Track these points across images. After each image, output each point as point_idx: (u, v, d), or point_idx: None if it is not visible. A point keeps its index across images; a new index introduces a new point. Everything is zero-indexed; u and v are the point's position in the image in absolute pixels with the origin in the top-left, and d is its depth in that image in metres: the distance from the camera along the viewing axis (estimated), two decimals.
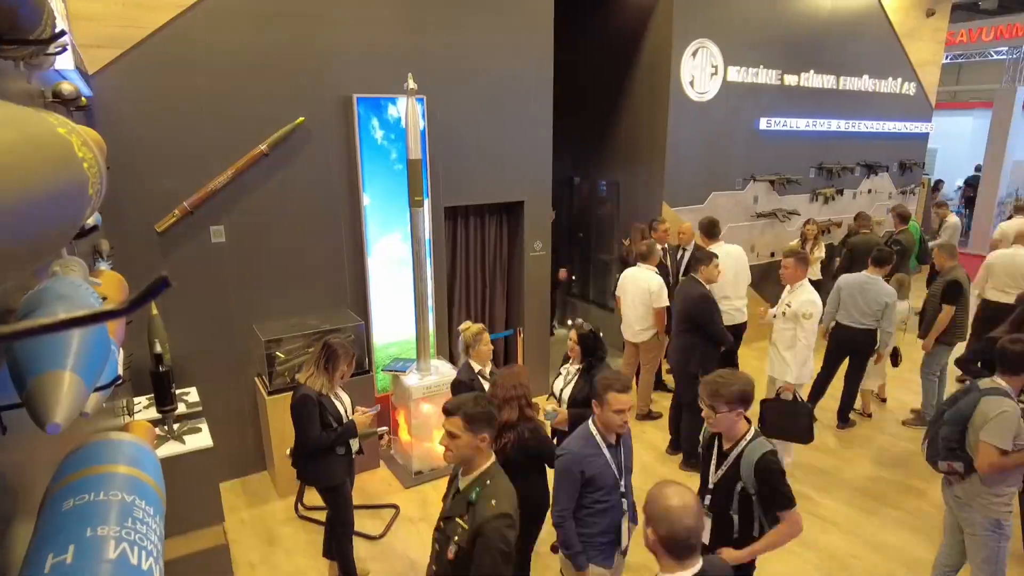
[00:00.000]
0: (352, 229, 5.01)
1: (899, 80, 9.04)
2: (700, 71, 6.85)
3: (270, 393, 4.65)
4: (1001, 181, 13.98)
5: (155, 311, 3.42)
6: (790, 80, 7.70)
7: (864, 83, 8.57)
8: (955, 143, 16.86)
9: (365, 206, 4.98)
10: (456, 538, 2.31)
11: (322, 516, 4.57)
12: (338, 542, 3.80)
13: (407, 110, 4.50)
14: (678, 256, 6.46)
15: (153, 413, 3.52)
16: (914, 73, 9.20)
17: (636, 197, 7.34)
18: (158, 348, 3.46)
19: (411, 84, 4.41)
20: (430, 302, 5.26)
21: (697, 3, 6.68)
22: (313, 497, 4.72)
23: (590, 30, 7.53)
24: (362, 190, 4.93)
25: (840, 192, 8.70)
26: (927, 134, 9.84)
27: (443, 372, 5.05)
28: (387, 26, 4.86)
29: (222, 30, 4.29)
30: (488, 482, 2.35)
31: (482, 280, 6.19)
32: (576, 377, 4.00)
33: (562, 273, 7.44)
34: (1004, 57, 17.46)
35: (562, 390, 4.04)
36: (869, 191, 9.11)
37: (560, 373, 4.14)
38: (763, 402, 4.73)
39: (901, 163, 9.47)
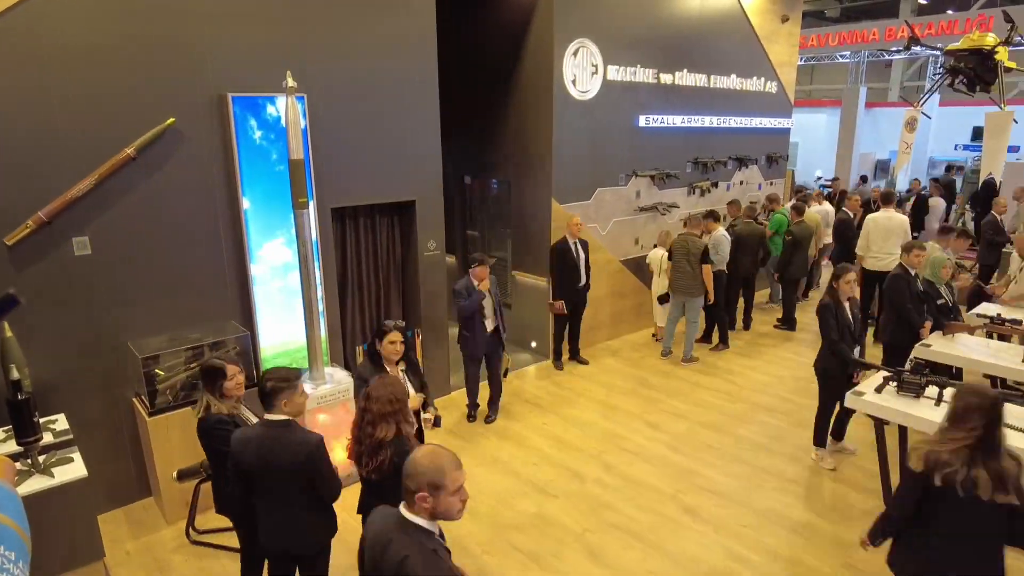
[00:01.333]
0: (233, 235, 4.76)
1: (762, 79, 9.73)
2: (581, 70, 7.06)
3: (151, 414, 4.34)
4: (852, 170, 15.37)
5: (9, 332, 3.10)
6: (665, 79, 8.10)
7: (732, 82, 9.15)
8: (812, 137, 18.37)
9: (245, 210, 4.74)
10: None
11: (218, 539, 4.33)
12: None
13: (286, 109, 4.34)
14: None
15: (12, 446, 3.20)
16: (775, 73, 9.93)
17: (526, 195, 7.46)
18: (15, 374, 3.15)
19: (290, 82, 4.25)
20: (320, 307, 5.10)
21: (575, 3, 6.88)
22: (206, 520, 4.46)
23: (474, 29, 7.57)
24: (241, 193, 4.70)
25: (715, 185, 9.26)
26: (788, 129, 10.67)
27: (339, 380, 4.91)
28: (262, 22, 4.66)
29: (73, 23, 3.95)
30: None
31: (376, 282, 6.07)
32: (405, 379, 3.98)
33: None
34: (848, 60, 19.24)
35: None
36: (741, 183, 9.75)
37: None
38: None
39: (768, 156, 10.20)
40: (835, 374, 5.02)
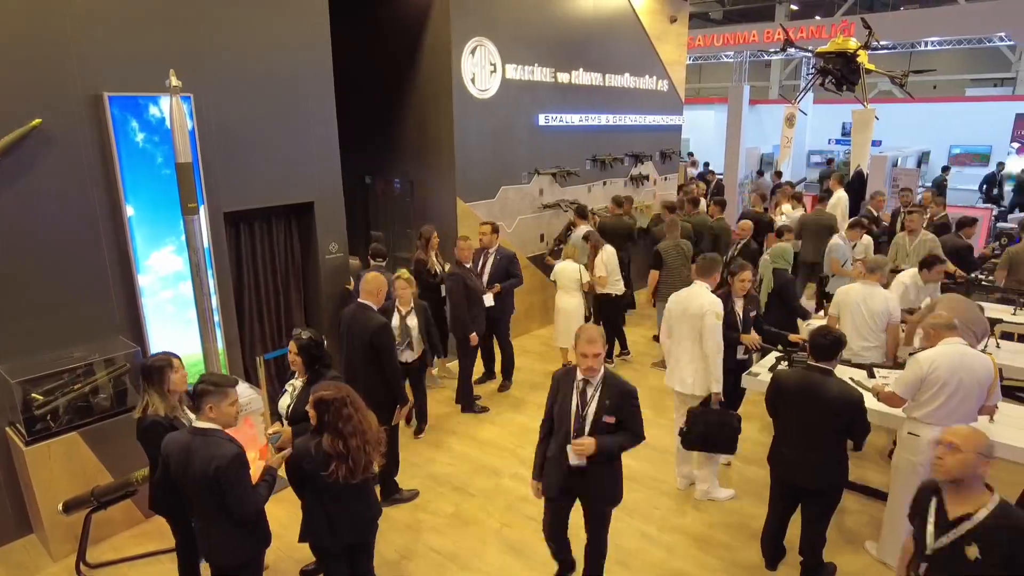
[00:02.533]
0: (116, 244, 4.44)
1: (654, 78, 10.12)
2: (480, 69, 7.09)
3: (28, 443, 3.98)
4: (740, 165, 16.27)
5: None
6: (563, 78, 8.27)
7: (626, 80, 9.47)
8: (702, 133, 19.31)
9: (130, 217, 4.44)
10: None
11: (114, 571, 4.03)
12: None
13: (171, 110, 4.09)
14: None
15: None
16: (665, 72, 10.36)
17: (431, 194, 7.41)
18: None
19: (173, 81, 4.00)
20: (216, 317, 4.86)
21: (471, 2, 6.89)
22: (100, 552, 4.15)
23: (372, 27, 7.43)
24: (124, 200, 4.39)
25: (614, 181, 9.55)
26: (680, 126, 11.16)
27: (240, 393, 4.68)
28: (141, 17, 4.37)
29: None
30: None
31: (275, 288, 5.84)
32: (298, 392, 3.73)
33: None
34: (732, 60, 20.35)
35: (288, 407, 3.74)
36: (636, 178, 10.10)
37: (286, 390, 3.82)
38: (691, 411, 4.50)
39: (662, 152, 10.63)
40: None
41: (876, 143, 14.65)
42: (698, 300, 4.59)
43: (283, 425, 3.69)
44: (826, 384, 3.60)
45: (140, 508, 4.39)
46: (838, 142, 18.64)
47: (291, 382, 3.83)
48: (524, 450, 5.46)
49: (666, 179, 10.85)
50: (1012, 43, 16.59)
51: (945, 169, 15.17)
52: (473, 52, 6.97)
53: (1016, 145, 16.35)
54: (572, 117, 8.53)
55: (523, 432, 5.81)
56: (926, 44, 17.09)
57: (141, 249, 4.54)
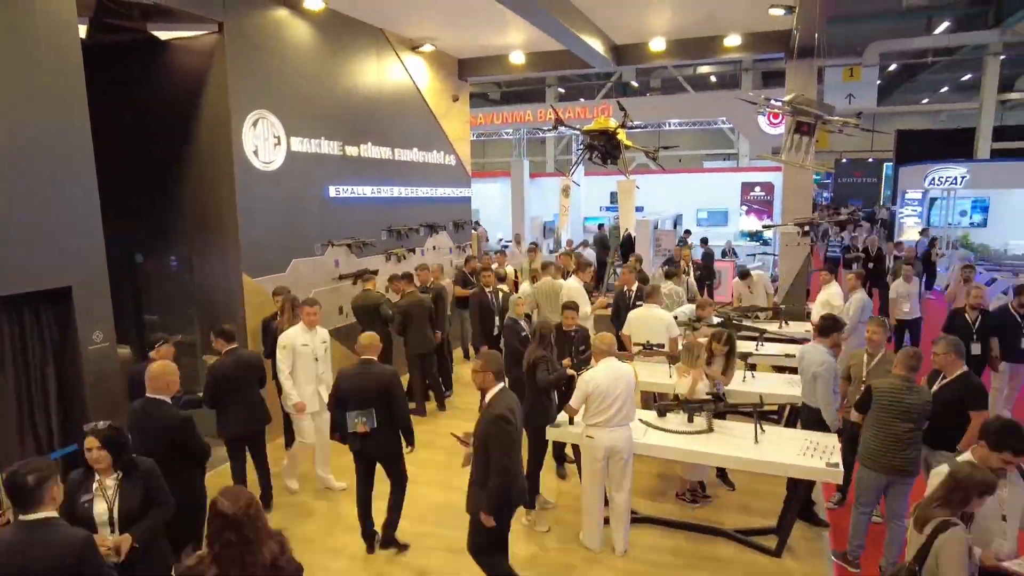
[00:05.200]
0: None
1: (442, 153, 10.60)
2: (263, 141, 6.90)
3: None
4: (526, 232, 17.43)
5: None
6: (351, 151, 8.34)
7: (415, 155, 9.80)
8: (490, 205, 20.43)
9: None
10: None
11: None
12: None
13: None
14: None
15: None
16: (452, 147, 10.91)
17: (212, 270, 6.93)
18: None
19: None
20: None
21: (252, 76, 6.75)
22: None
23: (142, 98, 6.94)
24: None
25: (412, 251, 9.70)
26: (469, 198, 11.74)
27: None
28: None
29: None
30: None
31: (25, 388, 4.98)
32: (118, 490, 3.28)
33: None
34: (512, 137, 22.03)
35: (112, 511, 3.24)
36: (434, 248, 10.37)
37: (92, 494, 3.26)
38: None
39: (455, 222, 11.06)
40: (544, 422, 5.27)
41: (639, 209, 16.61)
42: None
43: (113, 532, 3.20)
44: None
45: None
46: (608, 209, 20.77)
47: (96, 482, 3.31)
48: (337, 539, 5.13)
49: (461, 247, 11.26)
50: (731, 126, 20.06)
51: (687, 232, 17.56)
52: (255, 124, 6.78)
53: (744, 208, 19.52)
54: (364, 189, 8.59)
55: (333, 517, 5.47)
56: (670, 124, 20.06)
57: None
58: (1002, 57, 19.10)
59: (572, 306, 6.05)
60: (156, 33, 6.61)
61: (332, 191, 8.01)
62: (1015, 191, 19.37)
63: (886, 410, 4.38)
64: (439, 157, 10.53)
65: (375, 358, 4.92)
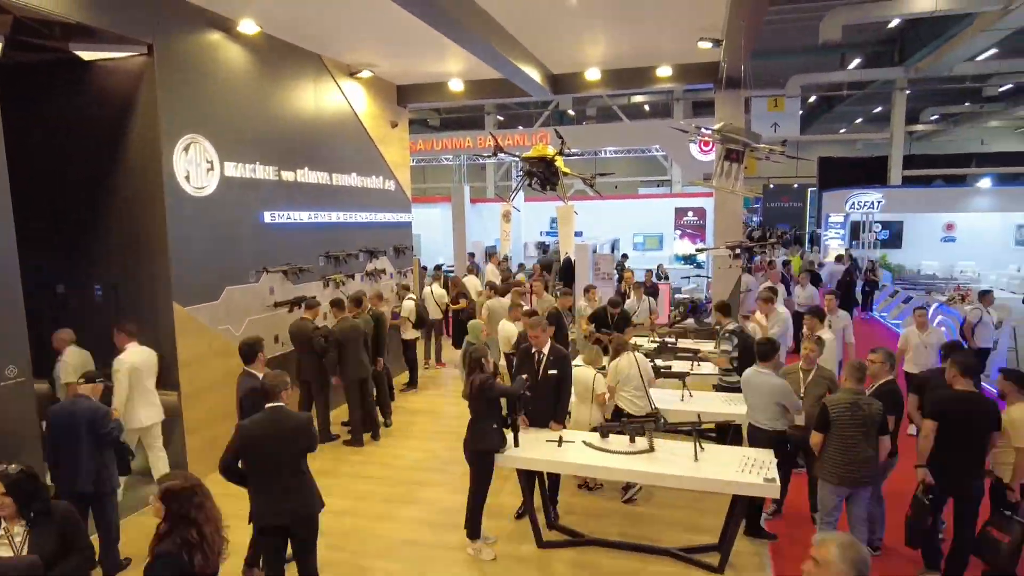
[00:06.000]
0: None
1: (381, 178, 10.54)
2: (195, 166, 6.69)
3: None
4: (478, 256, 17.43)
5: None
6: (287, 176, 8.18)
7: (353, 180, 9.70)
8: (431, 230, 20.39)
9: None
10: None
11: None
12: None
13: None
14: None
15: None
16: (391, 172, 10.86)
17: (141, 300, 6.63)
18: None
19: None
20: None
21: (183, 99, 6.57)
22: None
23: (64, 120, 6.65)
24: None
25: (351, 276, 9.55)
26: (410, 223, 11.68)
27: None
28: None
29: None
30: None
31: None
32: (27, 537, 3.13)
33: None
34: (452, 163, 22.13)
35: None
36: (372, 273, 10.23)
37: None
38: None
39: (395, 247, 10.96)
40: (488, 448, 5.11)
41: (578, 234, 16.90)
42: None
43: None
44: None
45: None
46: (548, 234, 21.05)
47: (2, 528, 3.10)
48: None
49: (403, 272, 11.16)
50: (664, 153, 20.75)
51: (624, 256, 17.96)
52: (187, 149, 6.58)
53: (679, 232, 20.13)
54: (301, 214, 8.43)
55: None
56: (606, 152, 20.59)
57: None
58: (907, 92, 20.51)
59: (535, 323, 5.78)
60: (80, 53, 6.36)
61: (267, 217, 7.83)
62: (924, 215, 20.69)
63: (845, 424, 4.54)
64: (378, 182, 10.46)
65: (283, 403, 4.21)
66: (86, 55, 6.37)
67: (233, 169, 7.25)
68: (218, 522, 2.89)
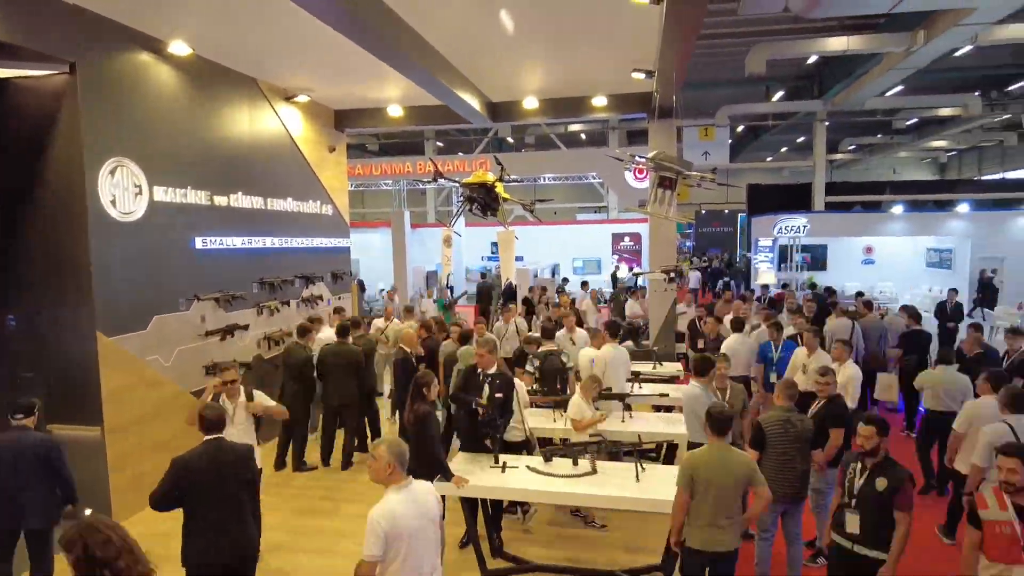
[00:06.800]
0: None
1: (318, 203, 10.38)
2: (122, 191, 6.44)
3: None
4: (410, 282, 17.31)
5: None
6: (220, 201, 7.96)
7: (289, 204, 9.52)
8: (371, 255, 20.15)
9: None
10: None
11: None
12: None
13: None
14: None
15: None
16: (329, 197, 10.71)
17: (61, 329, 6.28)
18: None
19: None
20: None
21: (109, 121, 6.33)
22: None
23: None
24: None
25: (286, 303, 9.31)
26: (348, 248, 11.52)
27: None
28: None
29: None
30: None
31: None
32: None
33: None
34: (392, 187, 22.01)
35: None
36: (309, 300, 10.01)
37: None
38: None
39: (333, 273, 10.77)
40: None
41: (519, 258, 17.05)
42: None
43: None
44: None
45: None
46: (490, 259, 21.15)
47: None
48: None
49: (340, 298, 10.96)
50: (600, 180, 21.25)
51: (565, 280, 18.23)
52: (113, 173, 6.33)
53: (616, 256, 20.57)
54: (234, 240, 8.20)
55: None
56: (544, 179, 20.94)
57: None
58: (827, 123, 21.73)
59: (487, 344, 5.84)
60: None
61: (199, 242, 7.58)
62: (846, 239, 21.83)
63: (778, 442, 4.69)
64: (315, 207, 10.30)
65: (223, 435, 4.08)
66: (2, 72, 6.07)
67: (163, 193, 7.01)
68: (134, 551, 2.67)
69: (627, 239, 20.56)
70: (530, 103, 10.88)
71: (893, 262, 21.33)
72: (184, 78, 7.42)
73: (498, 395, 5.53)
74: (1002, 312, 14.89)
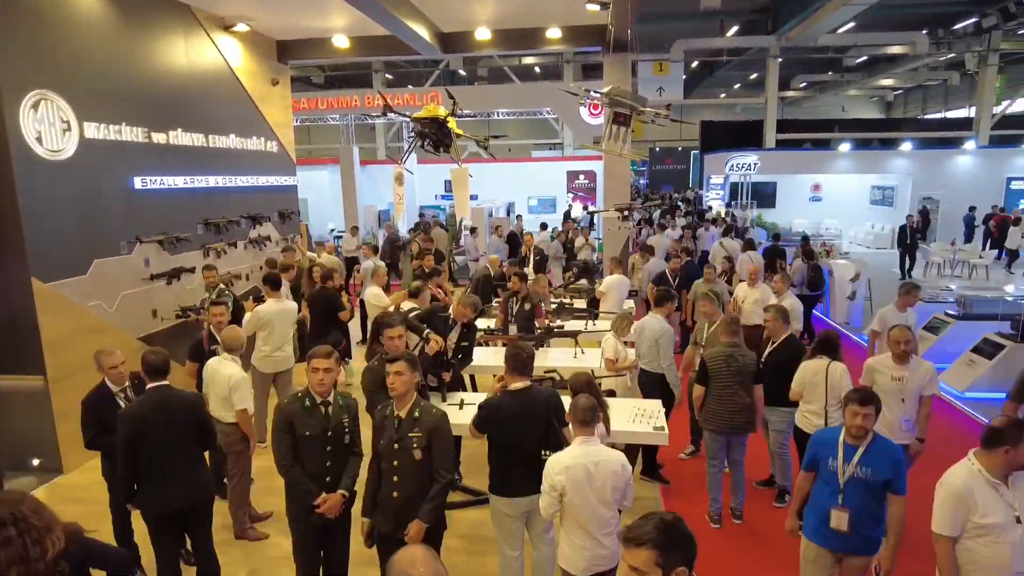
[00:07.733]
0: None
1: (262, 139, 9.97)
2: (48, 126, 6.03)
3: None
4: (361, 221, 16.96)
5: None
6: (158, 138, 7.56)
7: (232, 141, 9.12)
8: (319, 193, 19.58)
9: None
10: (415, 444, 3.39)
11: None
12: None
13: None
14: None
15: None
16: (273, 133, 10.29)
17: None
18: None
19: None
20: None
21: (26, 50, 5.86)
22: None
23: None
24: None
25: (234, 244, 9.03)
26: (295, 186, 11.16)
27: None
28: None
29: None
30: (422, 404, 3.53)
31: None
32: None
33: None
34: (339, 123, 21.27)
35: None
36: (256, 240, 9.73)
37: None
38: None
39: (280, 212, 10.47)
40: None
41: (474, 197, 16.84)
42: None
43: None
44: None
45: None
46: (444, 197, 20.84)
47: None
48: None
49: (288, 238, 10.68)
50: (555, 116, 20.96)
51: (519, 218, 18.16)
52: (35, 107, 5.91)
53: (571, 195, 20.52)
54: (175, 179, 7.84)
55: None
56: (498, 114, 20.52)
57: None
58: (779, 59, 21.76)
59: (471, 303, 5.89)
60: None
61: (138, 182, 7.22)
62: (795, 176, 22.23)
63: (721, 376, 4.88)
64: (259, 143, 9.90)
65: (168, 382, 3.88)
66: None
67: (95, 130, 6.61)
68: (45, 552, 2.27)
69: (582, 177, 20.48)
70: (482, 34, 10.54)
71: (839, 200, 21.92)
72: (110, 5, 6.89)
73: (464, 343, 5.72)
74: (936, 248, 15.59)
